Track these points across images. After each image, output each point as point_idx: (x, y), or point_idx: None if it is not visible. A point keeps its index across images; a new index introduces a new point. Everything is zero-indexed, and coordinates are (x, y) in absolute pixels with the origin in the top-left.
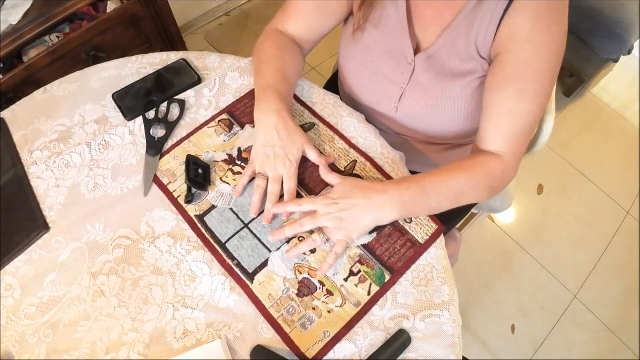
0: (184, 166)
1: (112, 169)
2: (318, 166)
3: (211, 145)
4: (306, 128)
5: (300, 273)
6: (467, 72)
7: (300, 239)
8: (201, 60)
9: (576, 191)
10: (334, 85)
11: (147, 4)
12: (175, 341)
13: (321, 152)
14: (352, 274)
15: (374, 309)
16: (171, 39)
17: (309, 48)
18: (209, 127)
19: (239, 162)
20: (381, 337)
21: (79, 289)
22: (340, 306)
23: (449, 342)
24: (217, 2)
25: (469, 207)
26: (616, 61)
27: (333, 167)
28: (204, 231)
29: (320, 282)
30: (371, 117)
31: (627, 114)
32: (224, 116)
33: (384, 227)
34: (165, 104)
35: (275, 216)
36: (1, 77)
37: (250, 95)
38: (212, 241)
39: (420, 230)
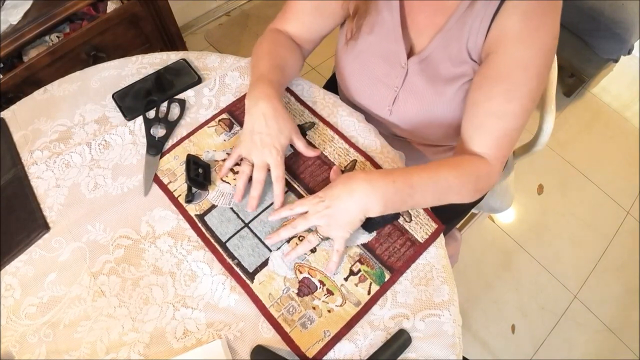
0: (184, 166)
1: (112, 169)
2: (319, 166)
3: (211, 145)
4: (306, 127)
5: (301, 272)
6: (459, 76)
7: (301, 238)
8: (201, 60)
9: (576, 191)
10: (333, 85)
11: (147, 4)
12: (175, 341)
13: (309, 143)
14: (352, 273)
15: (374, 308)
16: (171, 39)
17: (309, 48)
18: (209, 127)
19: (239, 162)
20: (381, 336)
21: (79, 288)
22: (341, 305)
23: (449, 342)
24: (217, 2)
25: (469, 207)
26: (616, 61)
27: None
28: (204, 230)
29: (320, 282)
30: (367, 119)
31: (627, 114)
32: (224, 115)
33: (383, 226)
34: (165, 104)
35: (259, 203)
36: (1, 77)
37: None
38: (212, 240)
39: (420, 230)
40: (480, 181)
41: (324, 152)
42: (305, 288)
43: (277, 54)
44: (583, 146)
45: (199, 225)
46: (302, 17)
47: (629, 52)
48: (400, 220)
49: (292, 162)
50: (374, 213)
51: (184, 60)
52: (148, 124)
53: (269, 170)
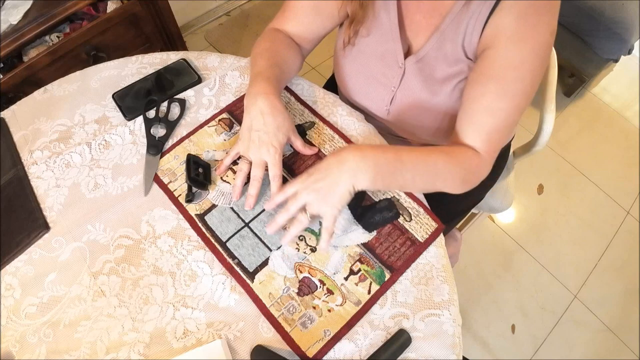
0: (184, 165)
1: (112, 169)
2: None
3: (211, 144)
4: (306, 126)
5: (301, 272)
6: (454, 74)
7: (301, 237)
8: (201, 60)
9: (576, 191)
10: (333, 84)
11: (147, 4)
12: (175, 341)
13: (306, 142)
14: (352, 272)
15: (374, 307)
16: (171, 38)
17: (309, 48)
18: (209, 126)
19: (239, 161)
20: (381, 336)
21: (79, 288)
22: (341, 305)
23: (449, 342)
24: (217, 2)
25: (468, 207)
26: (616, 61)
27: None
28: (204, 230)
29: (321, 281)
30: (366, 119)
31: (627, 114)
32: (224, 115)
33: (383, 226)
34: (165, 103)
35: (257, 202)
36: (1, 77)
37: None
38: (212, 240)
39: (420, 229)
40: (469, 173)
41: (323, 152)
42: (306, 287)
43: (275, 53)
44: (583, 146)
45: (199, 224)
46: (301, 17)
47: (629, 52)
48: (400, 219)
49: (292, 161)
50: (363, 184)
51: (184, 60)
52: (148, 123)
53: (267, 168)
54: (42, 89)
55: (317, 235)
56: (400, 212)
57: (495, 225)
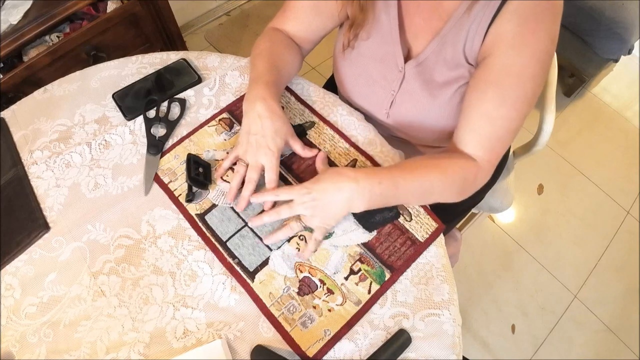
0: (184, 165)
1: (112, 169)
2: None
3: (212, 144)
4: (306, 126)
5: (301, 271)
6: (454, 79)
7: (301, 237)
8: (201, 59)
9: (576, 191)
10: (333, 84)
11: (147, 3)
12: (176, 341)
13: (307, 141)
14: (352, 272)
15: (374, 307)
16: (171, 38)
17: (308, 48)
18: (209, 126)
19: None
20: (381, 335)
21: (79, 288)
22: (341, 305)
23: (449, 342)
24: (217, 2)
25: (469, 207)
26: (616, 61)
27: (331, 164)
28: (204, 230)
29: (321, 281)
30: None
31: (628, 114)
32: (225, 115)
33: (383, 225)
34: (165, 103)
35: (250, 203)
36: (1, 77)
37: None
38: (212, 240)
39: (420, 229)
40: (466, 184)
41: (323, 151)
42: (306, 287)
43: (275, 53)
44: (583, 146)
45: (200, 224)
46: (301, 17)
47: (629, 52)
48: (401, 219)
49: (292, 161)
50: (357, 210)
51: (184, 60)
52: (148, 123)
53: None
54: (42, 88)
55: (300, 230)
56: (401, 212)
57: (495, 225)
